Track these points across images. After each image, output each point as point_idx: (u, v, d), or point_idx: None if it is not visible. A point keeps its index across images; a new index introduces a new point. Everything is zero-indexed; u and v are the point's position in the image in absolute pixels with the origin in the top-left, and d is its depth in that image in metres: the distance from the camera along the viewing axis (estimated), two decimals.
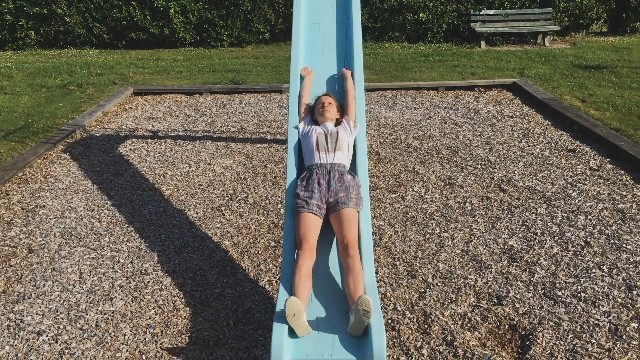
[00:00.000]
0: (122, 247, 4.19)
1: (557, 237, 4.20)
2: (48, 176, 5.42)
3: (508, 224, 4.42)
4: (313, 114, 3.76)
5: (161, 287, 3.74)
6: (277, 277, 3.84)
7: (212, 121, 7.18)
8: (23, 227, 4.46)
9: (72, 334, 3.26)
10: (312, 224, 3.21)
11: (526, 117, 7.05)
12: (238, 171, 5.55)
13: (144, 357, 3.10)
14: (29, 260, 4.02)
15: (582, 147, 5.94)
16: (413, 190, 5.03)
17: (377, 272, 3.85)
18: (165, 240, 4.30)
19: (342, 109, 3.75)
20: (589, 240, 4.15)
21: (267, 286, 3.78)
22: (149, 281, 3.79)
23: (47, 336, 3.23)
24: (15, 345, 3.16)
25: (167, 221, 4.58)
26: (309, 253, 3.09)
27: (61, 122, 6.97)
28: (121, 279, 3.81)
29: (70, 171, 5.54)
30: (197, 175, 5.45)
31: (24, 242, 4.24)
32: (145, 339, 3.24)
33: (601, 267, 3.83)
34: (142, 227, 4.49)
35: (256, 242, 4.26)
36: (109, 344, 3.19)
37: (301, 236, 3.15)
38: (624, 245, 4.06)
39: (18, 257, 4.06)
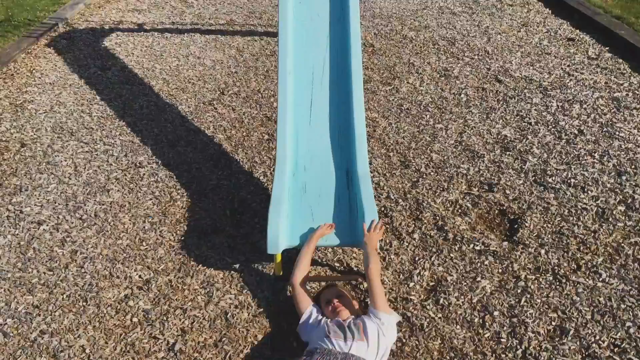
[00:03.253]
0: (115, 141, 4.17)
1: (550, 126, 4.21)
2: (34, 71, 5.28)
3: (503, 114, 4.40)
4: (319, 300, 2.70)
5: (157, 179, 3.77)
6: (272, 170, 3.87)
7: (200, 13, 6.89)
8: (13, 122, 4.40)
9: (72, 223, 3.33)
10: None
11: (526, 6, 6.80)
12: (229, 65, 5.42)
13: (144, 244, 3.18)
14: (22, 154, 4.01)
15: (581, 36, 5.78)
16: (408, 83, 4.96)
17: (370, 163, 3.88)
18: (158, 134, 4.27)
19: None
20: (582, 128, 4.16)
21: (261, 177, 3.81)
22: (144, 174, 3.82)
23: (47, 225, 3.30)
24: (17, 234, 3.22)
25: (158, 115, 4.53)
26: None
27: (42, 15, 6.68)
28: (116, 172, 3.83)
29: (56, 66, 5.39)
30: (187, 69, 5.32)
31: (15, 137, 4.21)
32: (144, 227, 3.32)
33: (593, 154, 3.87)
34: (133, 121, 4.44)
35: (250, 135, 4.25)
36: (109, 232, 3.26)
37: None
38: (617, 132, 4.08)
39: (11, 151, 4.04)
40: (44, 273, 2.93)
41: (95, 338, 2.52)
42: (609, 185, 3.55)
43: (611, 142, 3.98)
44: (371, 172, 3.73)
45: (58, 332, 2.55)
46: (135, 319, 2.63)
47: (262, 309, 2.71)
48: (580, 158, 3.83)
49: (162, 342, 2.49)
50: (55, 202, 3.50)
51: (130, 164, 3.92)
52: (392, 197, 3.55)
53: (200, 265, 3.01)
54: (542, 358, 2.37)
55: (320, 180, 3.29)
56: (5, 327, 2.56)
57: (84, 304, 2.72)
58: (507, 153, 3.94)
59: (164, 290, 2.82)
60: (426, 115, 4.43)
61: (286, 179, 3.17)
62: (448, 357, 2.39)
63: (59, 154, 4.01)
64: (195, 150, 4.12)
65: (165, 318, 2.62)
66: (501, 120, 4.31)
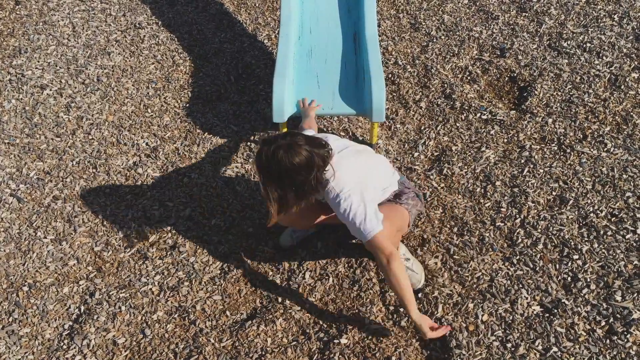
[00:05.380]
0: None
1: None
2: None
3: None
4: None
5: (158, 41, 3.65)
6: (276, 32, 3.72)
7: None
8: None
9: (75, 88, 3.29)
10: None
11: None
12: None
13: (149, 110, 3.17)
14: (17, 13, 3.85)
15: None
16: None
17: (379, 26, 3.71)
18: None
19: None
20: None
21: (265, 41, 3.68)
22: (144, 35, 3.69)
23: (51, 90, 3.26)
24: (21, 98, 3.20)
25: None
26: None
27: None
28: (116, 33, 3.70)
29: None
30: None
31: None
32: (148, 93, 3.28)
33: (612, 15, 3.67)
34: None
35: None
36: (114, 98, 3.23)
37: None
38: None
39: (5, 9, 3.88)
40: (52, 139, 2.95)
41: (107, 204, 2.61)
42: (625, 50, 3.41)
43: (633, 2, 3.76)
44: (379, 36, 3.59)
45: (71, 197, 2.64)
46: (145, 186, 2.71)
47: None
48: (599, 20, 3.65)
49: (172, 209, 2.58)
50: (56, 66, 3.43)
51: (130, 25, 3.77)
52: (400, 63, 3.44)
53: (206, 133, 3.02)
54: (540, 227, 2.45)
55: (326, 44, 3.18)
56: (19, 193, 2.65)
57: (94, 170, 2.78)
58: (523, 14, 3.75)
59: (172, 157, 2.87)
60: None
61: (291, 43, 3.06)
62: (448, 226, 2.48)
63: (56, 12, 3.84)
64: (196, 9, 3.94)
65: (174, 186, 2.69)
66: None
